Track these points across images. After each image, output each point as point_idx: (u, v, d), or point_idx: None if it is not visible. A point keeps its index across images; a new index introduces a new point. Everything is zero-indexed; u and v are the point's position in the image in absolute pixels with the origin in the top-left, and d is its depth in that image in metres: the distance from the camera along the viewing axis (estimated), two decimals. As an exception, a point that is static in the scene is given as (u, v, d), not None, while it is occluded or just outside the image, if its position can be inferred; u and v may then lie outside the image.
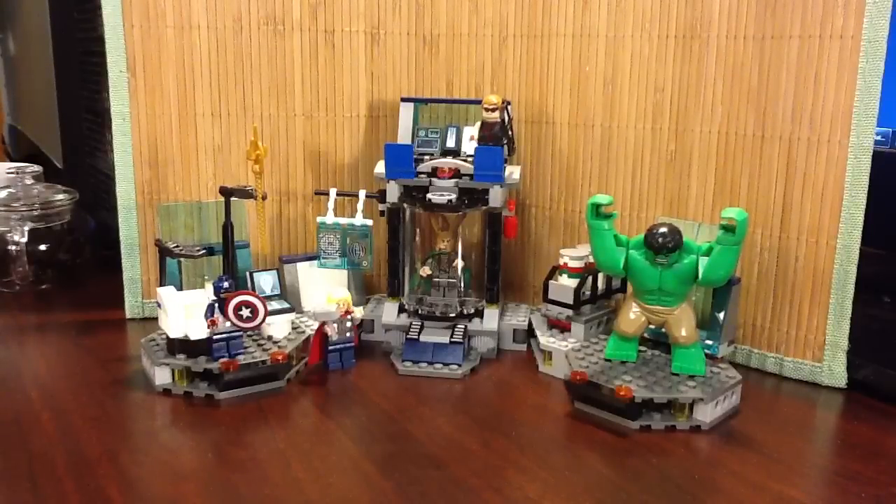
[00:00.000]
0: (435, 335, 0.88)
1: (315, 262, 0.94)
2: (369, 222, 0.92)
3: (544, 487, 0.64)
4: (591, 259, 0.84)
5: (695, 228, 0.81)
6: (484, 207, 0.90)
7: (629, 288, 0.81)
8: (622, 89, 0.92)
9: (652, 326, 0.80)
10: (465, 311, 0.92)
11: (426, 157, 0.91)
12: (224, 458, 0.68)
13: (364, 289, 1.02)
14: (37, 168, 1.18)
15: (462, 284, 0.94)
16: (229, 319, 0.79)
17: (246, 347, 0.82)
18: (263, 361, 0.80)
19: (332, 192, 0.94)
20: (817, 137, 0.81)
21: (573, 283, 0.88)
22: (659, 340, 0.82)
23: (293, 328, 0.88)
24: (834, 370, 0.84)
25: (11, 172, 1.15)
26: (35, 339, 0.96)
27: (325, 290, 0.87)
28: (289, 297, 0.91)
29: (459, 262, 0.94)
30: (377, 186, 0.93)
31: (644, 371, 0.78)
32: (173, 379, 0.80)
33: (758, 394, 0.83)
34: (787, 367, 0.86)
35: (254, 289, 0.88)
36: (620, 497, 0.63)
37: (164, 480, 0.64)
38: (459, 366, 0.86)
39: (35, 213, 1.11)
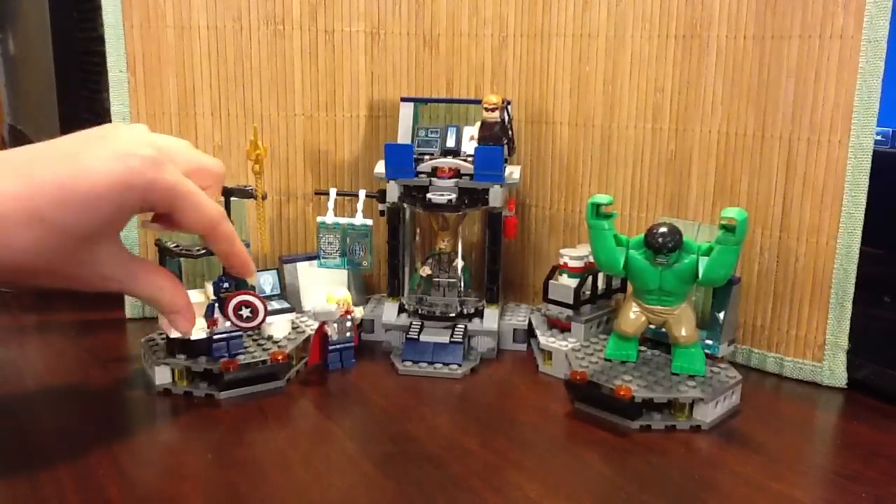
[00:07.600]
0: (435, 335, 0.88)
1: (315, 262, 0.94)
2: (369, 222, 0.92)
3: (544, 487, 0.64)
4: (591, 259, 0.84)
5: (695, 228, 0.81)
6: (484, 207, 0.90)
7: (629, 288, 0.81)
8: (622, 89, 0.92)
9: (652, 326, 0.80)
10: (465, 311, 0.92)
11: (426, 157, 0.91)
12: (224, 458, 0.68)
13: (364, 289, 1.02)
14: (37, 168, 1.18)
15: (462, 284, 0.94)
16: (229, 319, 0.79)
17: (246, 347, 0.82)
18: (263, 361, 0.80)
19: (332, 191, 0.94)
20: (817, 137, 0.81)
21: (573, 283, 0.88)
22: (659, 340, 0.82)
23: (293, 328, 0.88)
24: (834, 370, 0.84)
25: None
26: (35, 339, 0.96)
27: (325, 290, 0.87)
28: (289, 297, 0.91)
29: (459, 262, 0.94)
30: (377, 186, 0.93)
31: (644, 371, 0.78)
32: (173, 379, 0.80)
33: (758, 394, 0.83)
34: (787, 366, 0.86)
35: (254, 289, 0.87)
36: (620, 497, 0.63)
37: (164, 480, 0.64)
38: (459, 366, 0.86)
39: (35, 213, 1.11)
